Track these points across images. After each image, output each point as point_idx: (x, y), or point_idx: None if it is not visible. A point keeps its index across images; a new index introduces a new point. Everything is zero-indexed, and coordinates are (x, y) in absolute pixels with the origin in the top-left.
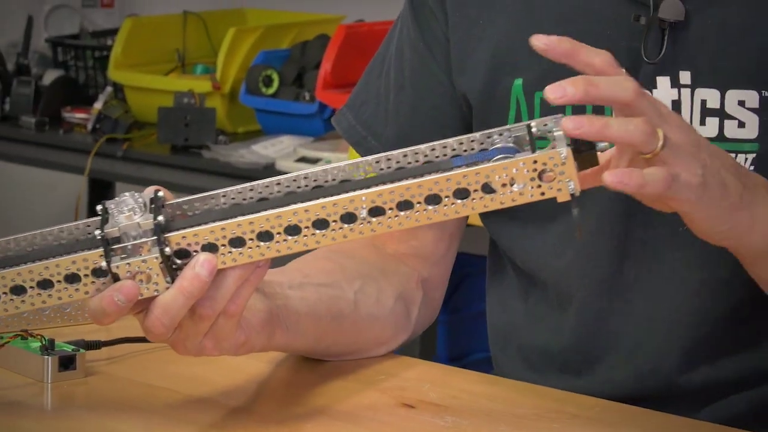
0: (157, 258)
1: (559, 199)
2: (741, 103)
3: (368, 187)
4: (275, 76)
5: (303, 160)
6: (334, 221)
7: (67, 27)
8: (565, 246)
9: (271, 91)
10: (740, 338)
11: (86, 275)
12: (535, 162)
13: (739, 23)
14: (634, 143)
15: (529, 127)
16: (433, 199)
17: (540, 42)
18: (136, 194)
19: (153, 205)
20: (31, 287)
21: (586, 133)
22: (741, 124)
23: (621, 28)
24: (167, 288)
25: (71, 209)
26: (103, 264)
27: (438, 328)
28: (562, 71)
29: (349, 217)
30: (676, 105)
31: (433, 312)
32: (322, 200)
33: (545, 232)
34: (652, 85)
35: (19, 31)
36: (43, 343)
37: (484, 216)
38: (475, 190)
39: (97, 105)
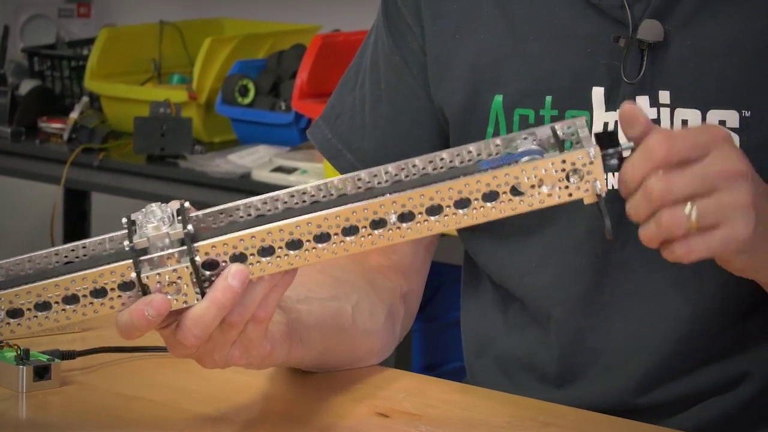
0: (187, 267)
1: (586, 201)
2: (722, 123)
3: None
4: (251, 86)
5: (279, 169)
6: (364, 227)
7: (44, 37)
8: (542, 264)
9: (247, 100)
10: (717, 350)
11: (113, 289)
12: (564, 162)
13: (718, 43)
14: (663, 239)
15: (554, 129)
16: (463, 203)
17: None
18: (163, 205)
19: (180, 216)
20: (56, 302)
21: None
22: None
23: (601, 47)
24: (197, 299)
25: (47, 219)
26: (133, 275)
27: (413, 338)
28: (543, 89)
29: (378, 223)
30: (655, 124)
31: (410, 324)
32: (351, 205)
33: (522, 249)
34: None
35: None
36: (18, 352)
37: (461, 230)
38: (504, 192)
39: (74, 115)
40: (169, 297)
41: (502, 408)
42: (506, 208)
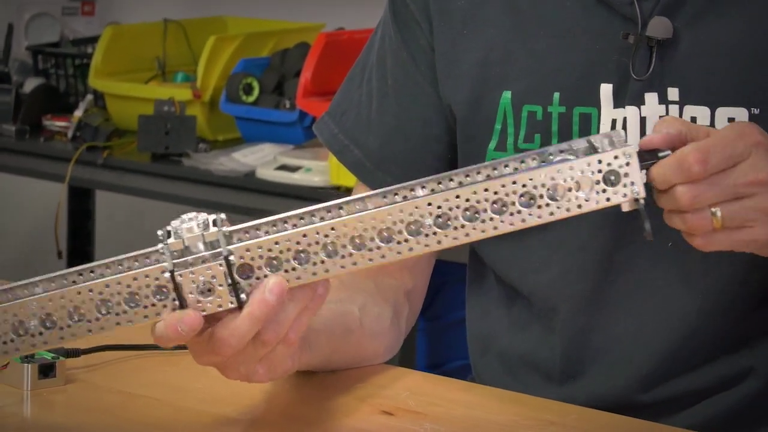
0: (221, 265)
1: (624, 208)
2: (731, 120)
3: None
4: (255, 84)
5: (283, 168)
6: (400, 232)
7: (48, 35)
8: (547, 261)
9: (251, 99)
10: (721, 346)
11: (147, 296)
12: (600, 162)
13: (727, 41)
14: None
15: (590, 141)
16: (499, 208)
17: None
18: (198, 214)
19: (215, 219)
20: (89, 310)
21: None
22: None
23: (610, 44)
24: (230, 303)
25: (51, 217)
26: (167, 275)
27: (417, 336)
28: (551, 85)
29: (415, 230)
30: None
31: (414, 320)
32: (387, 207)
33: (528, 246)
34: (640, 101)
35: None
36: None
37: None
38: (541, 196)
39: (78, 113)
40: (202, 300)
41: (506, 406)
42: (544, 213)
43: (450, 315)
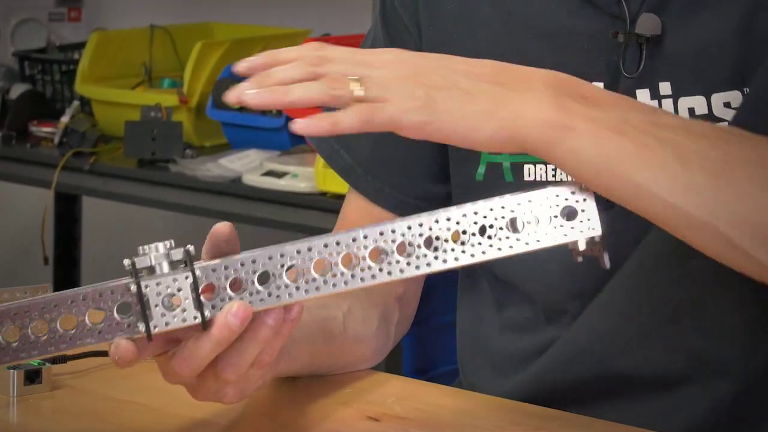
0: (187, 278)
1: (581, 247)
2: (727, 105)
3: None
4: None
5: (270, 173)
6: (363, 258)
7: (34, 41)
8: (549, 259)
9: (237, 105)
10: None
11: (111, 314)
12: (558, 196)
13: (714, 30)
14: (323, 100)
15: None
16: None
17: (241, 67)
18: (165, 241)
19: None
20: (55, 328)
21: (266, 103)
22: (732, 125)
23: (599, 43)
24: (195, 319)
25: (38, 223)
26: (133, 287)
27: (403, 341)
28: None
29: (380, 255)
30: None
31: (406, 327)
32: (353, 232)
33: None
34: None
35: None
36: None
37: None
38: (501, 228)
39: (64, 119)
40: (166, 314)
41: (492, 412)
42: (504, 245)
43: (437, 320)
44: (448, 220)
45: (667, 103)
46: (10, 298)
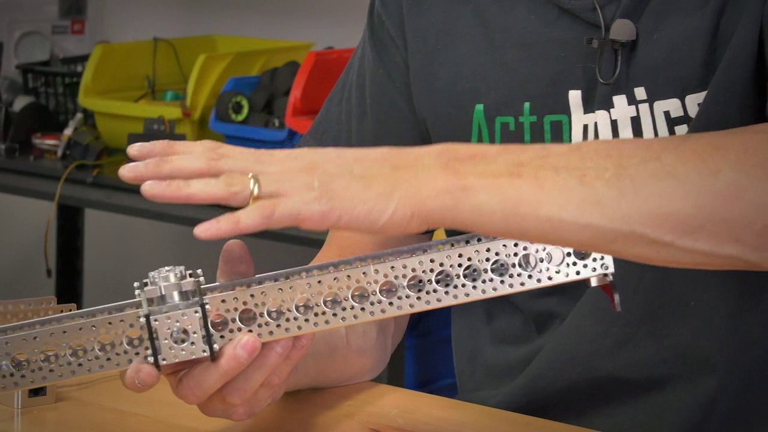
0: (197, 312)
1: (593, 283)
2: (700, 105)
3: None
4: (245, 103)
5: None
6: (374, 293)
7: (38, 53)
8: None
9: (240, 117)
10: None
11: (120, 343)
12: None
13: (686, 33)
14: (222, 197)
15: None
16: (472, 274)
17: (133, 150)
18: (175, 267)
19: (191, 272)
20: (63, 354)
21: (163, 196)
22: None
23: (576, 50)
24: (203, 352)
25: (41, 235)
26: (143, 320)
27: (405, 354)
28: (521, 95)
29: (390, 291)
30: (636, 121)
31: (400, 337)
32: (363, 266)
33: None
34: (609, 105)
35: None
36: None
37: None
38: (513, 265)
39: (68, 131)
40: (175, 347)
41: (493, 424)
42: (515, 282)
43: (439, 333)
44: (460, 256)
45: (644, 108)
46: (14, 311)
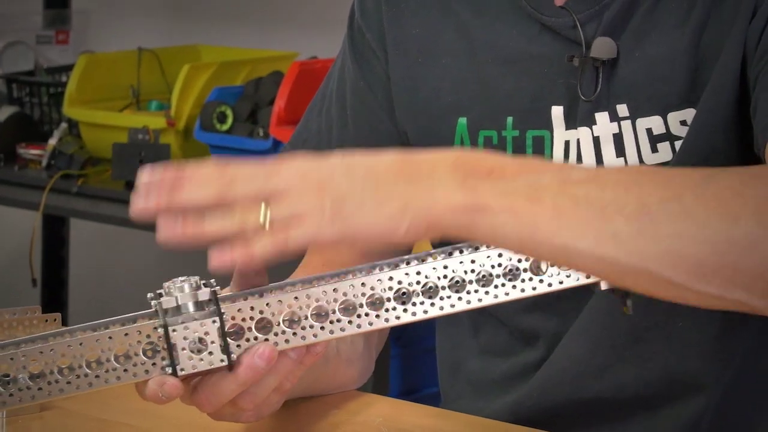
0: (215, 322)
1: (603, 287)
2: (683, 123)
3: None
4: (229, 113)
5: None
6: (388, 299)
7: (22, 63)
8: None
9: (225, 127)
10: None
11: (137, 354)
12: None
13: (666, 50)
14: (229, 233)
15: None
16: (486, 280)
17: (145, 179)
18: (189, 277)
19: (205, 282)
20: (79, 366)
21: (179, 239)
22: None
23: (558, 67)
24: (221, 362)
25: (26, 245)
26: (161, 330)
27: (390, 363)
28: (504, 110)
29: (404, 296)
30: (618, 138)
31: (381, 346)
32: (375, 274)
33: None
34: (591, 122)
35: None
36: None
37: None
38: (525, 270)
39: (52, 141)
40: (193, 357)
41: None
42: (527, 287)
43: (424, 342)
44: (473, 262)
45: (626, 125)
46: None
